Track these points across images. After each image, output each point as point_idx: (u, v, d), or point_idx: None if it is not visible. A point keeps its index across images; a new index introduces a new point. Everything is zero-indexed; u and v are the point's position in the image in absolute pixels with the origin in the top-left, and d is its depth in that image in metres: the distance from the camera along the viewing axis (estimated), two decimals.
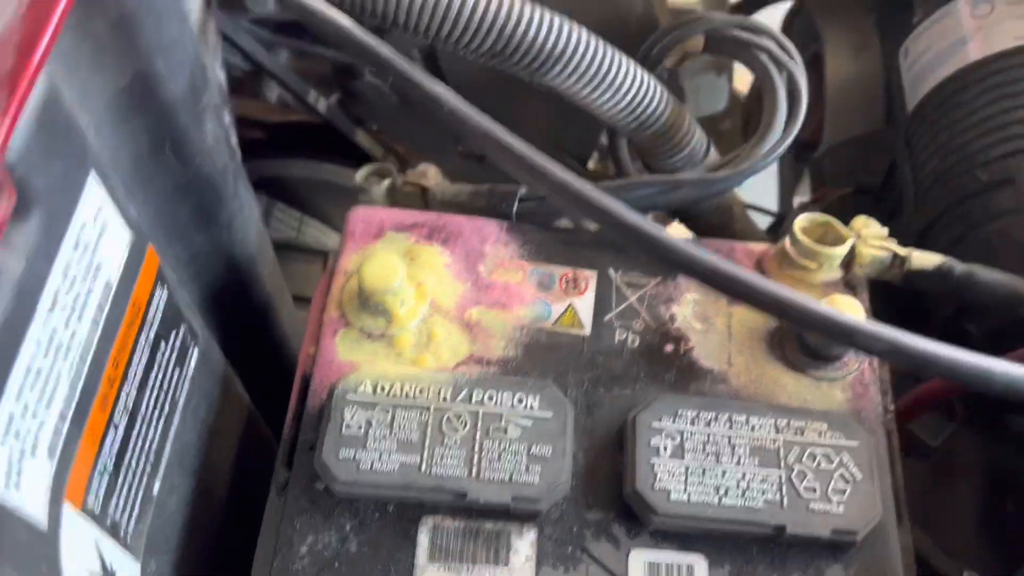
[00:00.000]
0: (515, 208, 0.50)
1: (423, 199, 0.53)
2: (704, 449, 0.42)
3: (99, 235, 0.31)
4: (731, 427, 0.43)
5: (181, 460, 0.42)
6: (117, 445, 0.35)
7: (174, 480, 0.41)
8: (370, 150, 0.85)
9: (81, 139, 0.30)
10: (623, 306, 0.48)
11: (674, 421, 0.43)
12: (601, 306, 0.48)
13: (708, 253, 0.33)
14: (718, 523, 0.41)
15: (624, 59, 0.49)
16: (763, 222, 0.89)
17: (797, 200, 0.96)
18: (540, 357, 0.46)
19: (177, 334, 0.40)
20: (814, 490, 0.41)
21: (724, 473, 0.42)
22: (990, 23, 0.64)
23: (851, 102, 0.88)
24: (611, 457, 0.43)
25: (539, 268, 0.49)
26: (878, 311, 0.48)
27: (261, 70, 0.77)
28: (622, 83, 0.48)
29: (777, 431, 0.43)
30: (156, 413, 0.39)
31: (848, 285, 0.49)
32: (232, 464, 0.49)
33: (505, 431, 0.42)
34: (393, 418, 0.42)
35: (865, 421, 0.45)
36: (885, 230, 0.47)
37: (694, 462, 0.42)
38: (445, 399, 0.43)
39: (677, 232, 0.49)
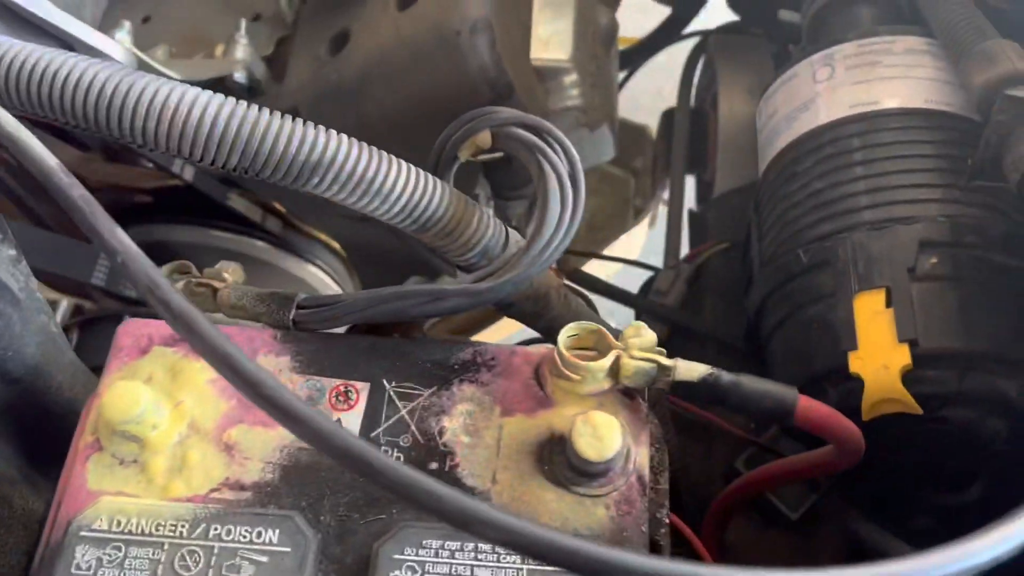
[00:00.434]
0: (292, 315, 0.49)
1: (215, 301, 0.52)
2: None
3: None
4: (476, 557, 0.42)
5: None
6: None
7: None
8: (245, 212, 0.84)
9: None
10: (393, 419, 0.47)
11: (417, 552, 0.42)
12: (370, 421, 0.47)
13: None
14: None
15: (395, 164, 0.47)
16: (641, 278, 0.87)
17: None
18: (298, 480, 0.45)
19: None
20: None
21: None
22: (830, 89, 0.62)
23: (739, 150, 0.87)
24: None
25: (310, 380, 0.48)
26: None
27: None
28: (392, 189, 0.47)
29: (523, 560, 0.42)
30: None
31: (627, 392, 0.47)
32: None
33: (239, 569, 0.41)
34: (125, 556, 0.41)
35: (627, 540, 0.43)
36: (654, 339, 0.46)
37: None
38: (182, 534, 0.42)
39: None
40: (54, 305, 0.87)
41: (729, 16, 1.03)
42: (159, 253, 0.86)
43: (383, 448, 0.46)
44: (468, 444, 0.46)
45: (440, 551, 0.42)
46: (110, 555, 0.41)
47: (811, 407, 0.44)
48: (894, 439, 0.55)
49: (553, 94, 0.80)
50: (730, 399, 0.44)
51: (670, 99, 1.06)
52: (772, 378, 0.45)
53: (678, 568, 0.27)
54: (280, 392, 0.30)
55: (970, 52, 0.55)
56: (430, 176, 0.49)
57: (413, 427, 0.47)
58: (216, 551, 0.41)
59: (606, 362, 0.46)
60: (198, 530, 0.42)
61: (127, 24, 0.79)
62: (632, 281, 0.92)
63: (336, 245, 0.90)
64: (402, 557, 0.41)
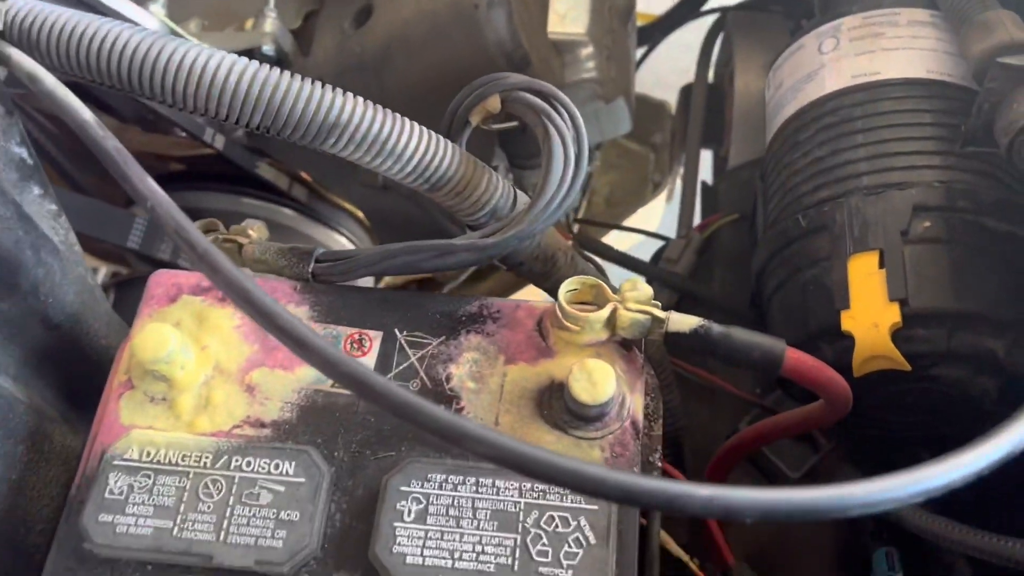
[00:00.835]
0: (311, 268, 0.52)
1: (240, 256, 0.55)
2: (447, 513, 0.44)
3: None
4: (477, 490, 0.45)
5: None
6: None
7: None
8: (273, 180, 0.87)
9: None
10: (403, 366, 0.50)
11: (423, 485, 0.45)
12: (382, 367, 0.50)
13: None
14: None
15: (407, 125, 0.50)
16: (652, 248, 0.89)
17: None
18: (314, 419, 0.48)
19: None
20: (547, 554, 0.43)
21: (462, 537, 0.43)
22: (834, 59, 0.64)
23: (753, 125, 0.88)
24: (368, 519, 0.45)
25: (327, 329, 0.51)
26: None
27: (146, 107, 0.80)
28: (404, 149, 0.50)
29: (520, 494, 0.45)
30: None
31: (624, 344, 0.50)
32: (56, 512, 0.53)
33: (257, 497, 0.44)
34: (154, 483, 0.45)
35: None
36: (650, 293, 0.48)
37: (435, 526, 0.44)
38: (206, 465, 0.45)
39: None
40: (93, 271, 0.91)
41: None
42: (191, 218, 0.90)
43: None
44: (473, 389, 0.49)
45: (444, 484, 0.45)
46: (140, 482, 0.45)
47: (798, 358, 0.46)
48: (886, 398, 0.57)
49: (569, 67, 0.82)
50: (720, 350, 0.47)
51: (692, 77, 1.08)
52: None
53: (633, 480, 0.30)
54: (293, 322, 0.34)
55: (971, 22, 0.56)
56: (442, 139, 0.52)
57: (422, 373, 0.50)
58: (237, 480, 0.45)
59: (603, 313, 0.48)
60: (220, 461, 0.45)
61: None
62: (649, 255, 0.94)
63: (360, 214, 0.94)
64: (408, 489, 0.45)
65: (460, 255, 0.50)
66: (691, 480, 0.66)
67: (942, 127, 0.58)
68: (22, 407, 0.50)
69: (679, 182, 1.07)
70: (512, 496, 0.45)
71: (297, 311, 0.51)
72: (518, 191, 0.56)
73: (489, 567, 0.43)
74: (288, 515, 0.44)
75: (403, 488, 0.45)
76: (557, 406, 0.48)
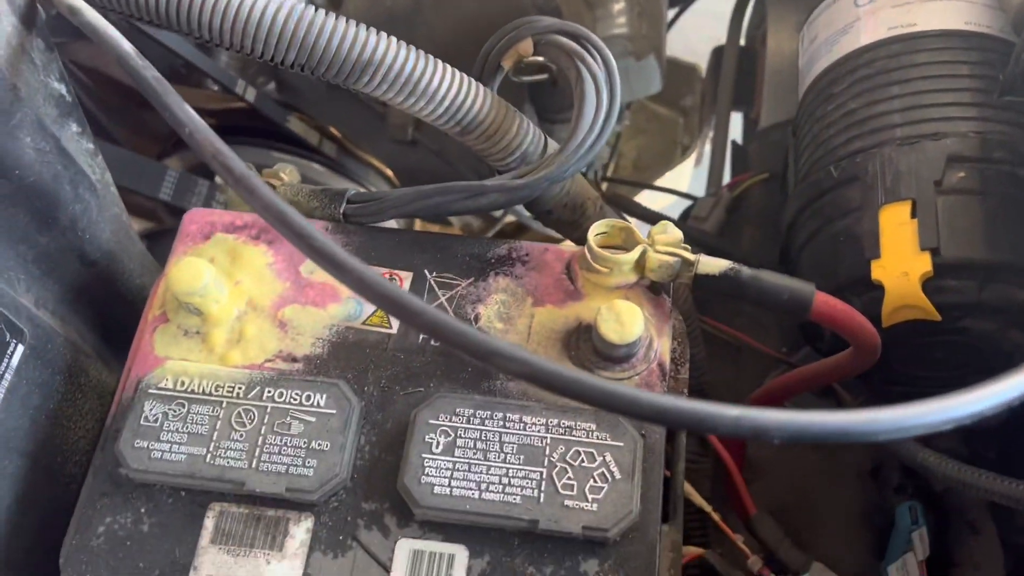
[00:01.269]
0: (342, 209, 0.53)
1: None
2: (474, 446, 0.45)
3: None
4: (504, 425, 0.45)
5: (7, 443, 0.47)
6: None
7: None
8: (303, 135, 0.88)
9: None
10: (433, 306, 0.50)
11: (451, 419, 0.45)
12: None
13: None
14: (476, 516, 0.43)
15: (440, 67, 0.50)
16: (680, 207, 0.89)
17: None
18: (345, 354, 0.49)
19: None
20: (572, 487, 0.44)
21: (489, 469, 0.44)
22: (871, 12, 0.63)
23: (785, 85, 0.87)
24: (397, 451, 0.46)
25: None
26: None
27: (181, 59, 0.80)
28: (436, 90, 0.50)
29: (547, 430, 0.45)
30: None
31: (653, 288, 0.50)
32: (91, 444, 0.54)
33: (289, 426, 0.45)
34: (188, 412, 0.46)
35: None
36: (680, 236, 0.48)
37: (462, 458, 0.44)
38: (238, 395, 0.46)
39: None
40: None
41: None
42: None
43: None
44: (501, 329, 0.50)
45: (472, 418, 0.45)
46: (174, 410, 0.46)
47: (827, 301, 0.46)
48: (914, 351, 0.57)
49: (600, 21, 0.82)
50: (749, 292, 0.47)
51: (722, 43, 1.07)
52: None
53: (663, 400, 0.30)
54: (328, 243, 0.34)
55: None
56: (474, 81, 0.52)
57: (451, 312, 0.50)
58: (269, 411, 0.46)
59: (633, 255, 0.48)
60: (253, 392, 0.46)
61: None
62: (677, 217, 0.94)
63: (388, 171, 0.94)
64: (437, 422, 0.45)
65: (491, 196, 0.50)
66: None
67: (979, 78, 0.57)
68: (60, 339, 0.51)
69: (708, 145, 1.06)
70: (539, 431, 0.45)
71: None
72: (548, 138, 0.57)
73: (515, 498, 0.43)
74: (319, 445, 0.45)
75: (432, 421, 0.45)
76: (585, 347, 0.48)
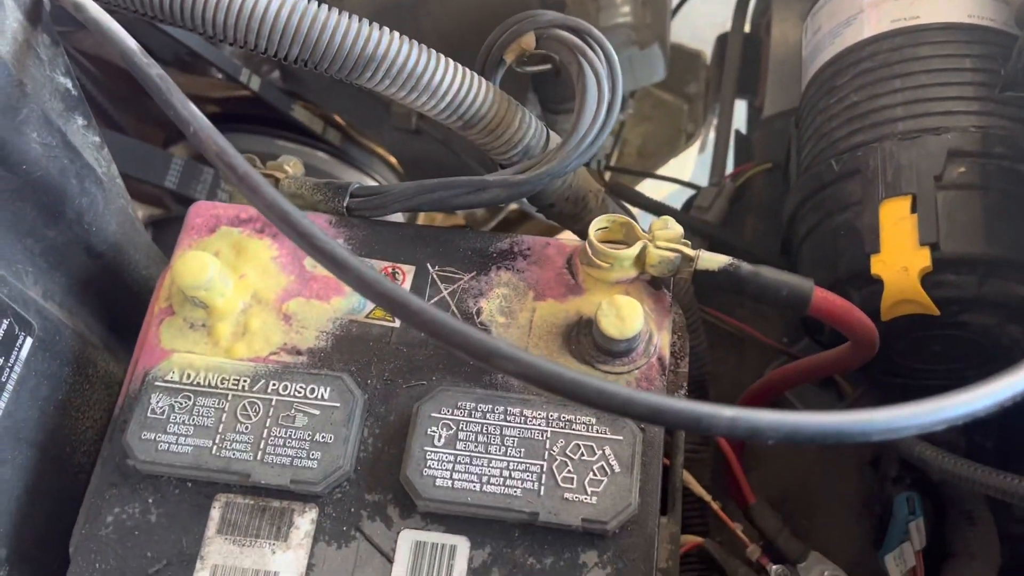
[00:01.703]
0: (346, 202, 0.53)
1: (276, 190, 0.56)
2: (476, 439, 0.45)
3: None
4: (505, 418, 0.46)
5: (16, 433, 0.47)
6: None
7: (4, 452, 0.47)
8: (308, 124, 0.88)
9: None
10: (435, 299, 0.51)
11: (453, 412, 0.46)
12: None
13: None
14: (477, 508, 0.44)
15: (443, 62, 0.50)
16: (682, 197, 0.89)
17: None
18: (348, 347, 0.49)
19: None
20: (572, 480, 0.44)
21: (490, 462, 0.45)
22: (874, 4, 0.63)
23: (789, 74, 0.87)
24: (399, 444, 0.47)
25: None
26: None
27: (185, 48, 0.81)
28: (439, 85, 0.50)
29: (547, 423, 0.46)
30: None
31: (653, 282, 0.51)
32: (99, 434, 0.55)
33: (293, 419, 0.46)
34: (194, 404, 0.46)
35: None
36: (680, 232, 0.49)
37: (464, 451, 0.45)
38: (244, 388, 0.47)
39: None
40: None
41: None
42: None
43: None
44: (503, 323, 0.50)
45: (473, 412, 0.46)
46: (181, 403, 0.46)
47: (826, 297, 0.47)
48: (913, 344, 0.57)
49: (604, 11, 0.82)
50: (749, 288, 0.47)
51: (728, 29, 1.07)
52: None
53: (662, 401, 0.30)
54: (330, 243, 0.34)
55: None
56: (476, 76, 0.52)
57: (453, 306, 0.51)
58: (274, 403, 0.46)
59: (633, 251, 0.49)
60: (258, 385, 0.47)
61: None
62: (680, 205, 0.94)
63: (392, 159, 0.94)
64: (439, 415, 0.46)
65: (493, 191, 0.51)
66: None
67: (981, 72, 0.57)
68: (67, 331, 0.52)
69: (712, 133, 1.06)
70: (539, 425, 0.46)
71: None
72: (550, 131, 0.57)
73: (516, 491, 0.44)
74: (323, 437, 0.45)
75: (434, 414, 0.46)
76: (585, 341, 0.49)
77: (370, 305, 0.51)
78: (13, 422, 0.47)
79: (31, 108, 0.47)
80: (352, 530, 0.45)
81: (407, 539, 0.45)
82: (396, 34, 0.50)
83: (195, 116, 0.40)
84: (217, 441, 0.45)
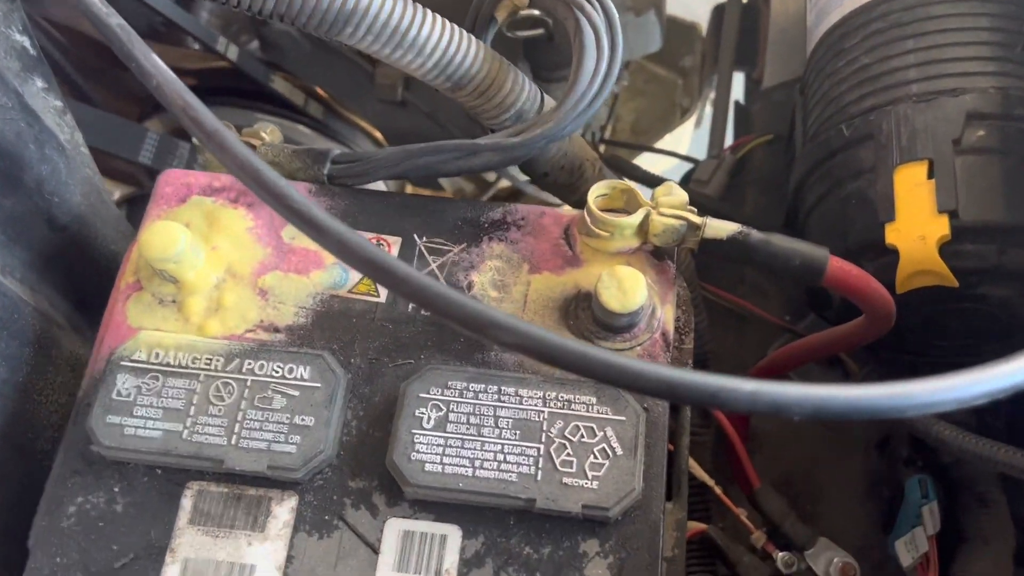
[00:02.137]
0: (326, 170, 0.50)
1: None
2: (468, 421, 0.42)
3: None
4: (499, 398, 0.43)
5: None
6: None
7: None
8: (288, 95, 0.84)
9: None
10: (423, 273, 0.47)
11: (443, 392, 0.43)
12: None
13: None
14: (470, 495, 0.41)
15: (429, 18, 0.47)
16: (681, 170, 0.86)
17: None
18: (330, 324, 0.46)
19: None
20: (571, 464, 0.41)
21: (483, 445, 0.42)
22: None
23: (789, 44, 0.84)
24: (385, 427, 0.43)
25: None
26: None
27: (160, 16, 0.77)
28: (425, 42, 0.47)
29: (544, 403, 0.43)
30: None
31: (656, 253, 0.47)
32: (64, 419, 0.51)
33: (270, 401, 0.43)
34: (163, 385, 0.43)
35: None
36: (685, 198, 0.46)
37: (455, 434, 0.42)
38: (217, 368, 0.43)
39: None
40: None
41: None
42: None
43: None
44: (496, 298, 0.47)
45: (465, 392, 0.43)
46: (148, 384, 0.43)
47: (842, 266, 0.44)
48: (928, 318, 0.54)
49: None
50: (758, 257, 0.44)
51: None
52: None
53: (667, 372, 0.27)
54: (305, 203, 0.31)
55: None
56: (465, 33, 0.49)
57: (442, 280, 0.47)
58: (249, 384, 0.43)
59: (635, 218, 0.46)
60: (232, 364, 0.43)
61: None
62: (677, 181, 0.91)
63: (377, 133, 0.91)
64: (428, 396, 0.43)
65: (485, 155, 0.47)
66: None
67: (1000, 32, 0.54)
68: (28, 309, 0.48)
69: (708, 107, 1.03)
70: (536, 405, 0.43)
71: None
72: (545, 95, 0.54)
73: (511, 476, 0.41)
74: (302, 420, 0.42)
75: (422, 395, 0.43)
76: (584, 316, 0.46)
77: (353, 279, 0.47)
78: None
79: None
80: (335, 519, 0.42)
81: (394, 528, 0.41)
82: None
83: (159, 69, 0.36)
84: (188, 425, 0.42)
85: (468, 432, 0.42)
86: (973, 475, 0.60)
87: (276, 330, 0.46)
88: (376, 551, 0.41)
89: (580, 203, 0.58)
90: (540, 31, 0.63)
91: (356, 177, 0.50)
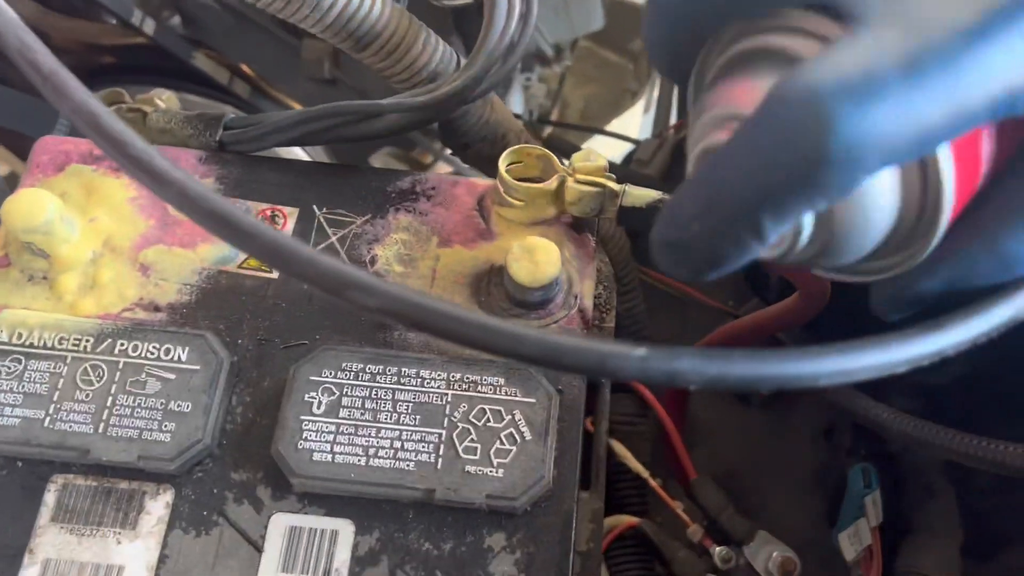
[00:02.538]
0: (219, 135, 0.46)
1: (144, 126, 0.49)
2: (363, 405, 0.38)
3: None
4: (399, 381, 0.39)
5: None
6: None
7: None
8: (211, 73, 0.80)
9: None
10: (321, 247, 0.44)
11: (336, 375, 0.39)
12: None
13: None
14: (363, 486, 0.37)
15: None
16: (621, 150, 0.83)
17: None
18: (216, 303, 0.42)
19: None
20: (475, 451, 0.38)
21: (379, 432, 0.38)
22: None
23: None
24: (274, 414, 0.39)
25: (235, 204, 0.44)
26: None
27: None
28: None
29: (448, 385, 0.39)
30: None
31: (575, 225, 0.44)
32: None
33: (144, 385, 0.39)
34: (24, 369, 0.39)
35: (563, 373, 0.40)
36: (603, 164, 0.42)
37: (348, 420, 0.38)
38: (86, 349, 0.39)
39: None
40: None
41: None
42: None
43: None
44: (401, 273, 0.43)
45: (360, 374, 0.39)
46: (9, 367, 0.39)
47: None
48: (864, 298, 0.52)
49: None
50: None
51: None
52: None
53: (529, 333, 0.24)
54: (147, 150, 0.27)
55: None
56: None
57: (343, 255, 0.44)
58: (121, 366, 0.39)
59: (550, 185, 0.42)
60: (103, 345, 0.39)
61: None
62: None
63: None
64: (319, 379, 0.39)
65: (388, 118, 0.44)
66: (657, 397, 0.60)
67: None
68: None
69: (656, 91, 1.00)
70: (438, 388, 0.39)
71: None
72: (461, 57, 0.50)
73: (408, 465, 0.37)
74: (178, 406, 0.38)
75: (313, 377, 0.39)
76: (496, 292, 0.42)
77: (244, 253, 0.43)
78: None
79: None
80: (214, 515, 0.38)
81: (279, 524, 0.38)
82: None
83: None
84: (51, 412, 0.38)
85: (363, 418, 0.38)
86: (920, 464, 0.58)
87: (157, 309, 0.42)
88: (259, 549, 0.37)
89: None
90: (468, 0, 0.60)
91: (250, 142, 0.46)
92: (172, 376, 0.39)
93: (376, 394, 0.39)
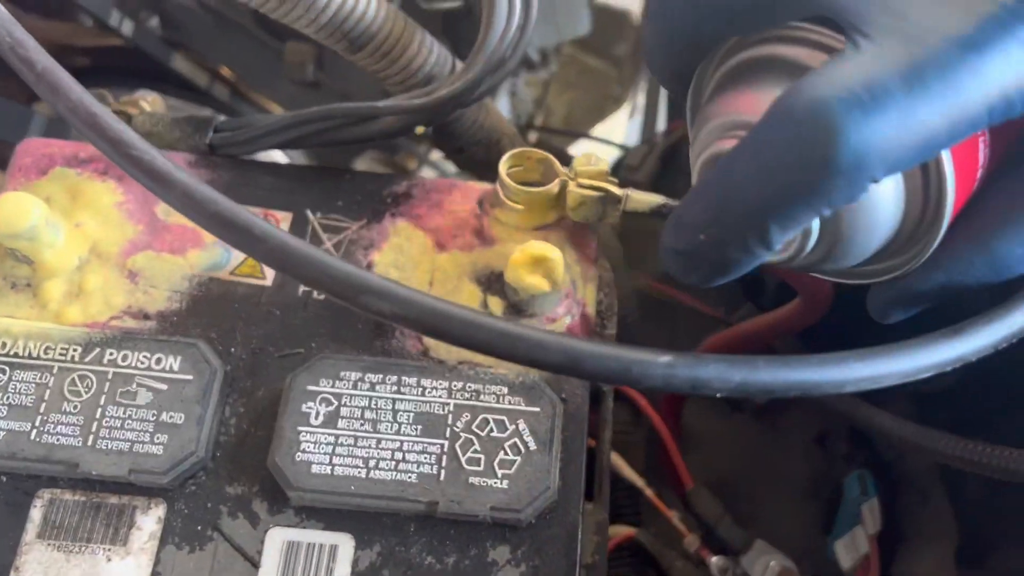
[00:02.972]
0: (208, 138, 0.45)
1: None
2: (362, 416, 0.37)
3: None
4: (399, 390, 0.38)
5: None
6: None
7: None
8: (190, 76, 0.78)
9: None
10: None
11: (334, 384, 0.38)
12: None
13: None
14: (363, 499, 0.36)
15: None
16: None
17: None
18: (208, 310, 0.41)
19: None
20: (478, 462, 0.37)
21: (379, 443, 0.37)
22: None
23: None
24: (269, 424, 0.38)
25: None
26: None
27: None
28: None
29: (450, 395, 0.38)
30: None
31: (576, 229, 0.43)
32: None
33: (134, 396, 0.37)
34: (9, 379, 0.37)
35: (567, 382, 0.39)
36: (606, 168, 0.41)
37: (347, 431, 0.37)
38: (73, 359, 0.38)
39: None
40: None
41: None
42: None
43: None
44: (397, 279, 0.42)
45: (359, 383, 0.38)
46: None
47: None
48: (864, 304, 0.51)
49: None
50: None
51: None
52: None
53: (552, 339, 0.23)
54: (149, 150, 0.26)
55: None
56: None
57: None
58: (110, 377, 0.38)
59: (551, 189, 0.41)
60: (91, 355, 0.38)
61: None
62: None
63: None
64: (317, 388, 0.38)
65: (384, 120, 0.43)
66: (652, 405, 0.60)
67: None
68: None
69: (641, 97, 1.00)
70: (440, 397, 0.38)
71: None
72: (458, 61, 0.49)
73: (410, 476, 0.36)
74: (171, 417, 0.37)
75: (311, 387, 0.38)
76: (494, 300, 0.41)
77: (236, 259, 0.42)
78: None
79: None
80: (208, 530, 0.36)
81: (276, 539, 0.36)
82: None
83: None
84: (38, 424, 0.36)
85: (362, 428, 0.37)
86: (914, 471, 0.57)
87: (146, 317, 0.40)
88: (256, 565, 0.36)
89: None
90: (458, 3, 0.59)
91: (240, 146, 0.44)
92: (164, 386, 0.37)
93: (375, 404, 0.38)
